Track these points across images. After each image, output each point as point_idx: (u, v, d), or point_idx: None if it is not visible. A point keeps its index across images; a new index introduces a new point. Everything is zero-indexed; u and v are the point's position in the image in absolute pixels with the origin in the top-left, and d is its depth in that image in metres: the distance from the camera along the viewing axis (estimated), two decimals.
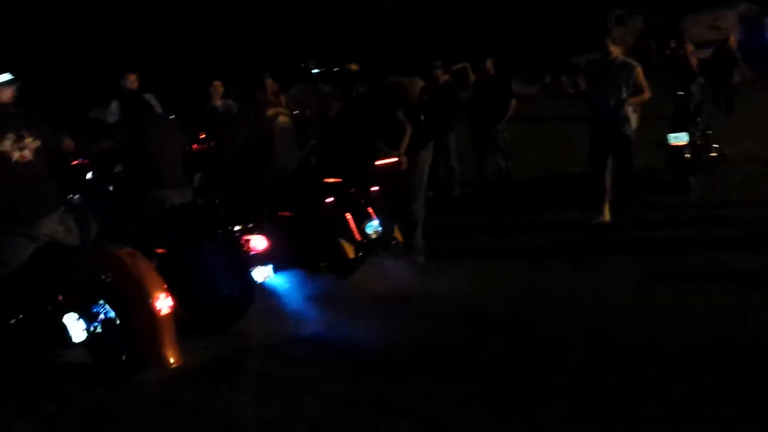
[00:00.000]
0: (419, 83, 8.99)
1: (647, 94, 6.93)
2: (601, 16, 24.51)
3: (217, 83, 8.89)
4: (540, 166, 10.40)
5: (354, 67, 8.51)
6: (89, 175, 5.95)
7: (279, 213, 5.70)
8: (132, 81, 8.16)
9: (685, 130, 7.99)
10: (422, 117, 7.59)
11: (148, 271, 4.19)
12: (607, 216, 7.05)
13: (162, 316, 4.09)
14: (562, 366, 4.04)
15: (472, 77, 10.92)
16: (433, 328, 4.72)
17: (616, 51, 6.96)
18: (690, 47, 10.82)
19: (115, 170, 5.97)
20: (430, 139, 7.18)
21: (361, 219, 5.75)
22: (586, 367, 4.00)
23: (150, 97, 7.81)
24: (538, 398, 3.69)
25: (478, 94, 9.53)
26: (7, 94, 4.80)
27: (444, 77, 9.47)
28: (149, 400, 3.99)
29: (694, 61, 9.07)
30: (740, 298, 4.86)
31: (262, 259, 4.91)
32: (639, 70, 6.88)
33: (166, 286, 4.16)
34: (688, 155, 7.95)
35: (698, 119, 8.42)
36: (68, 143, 5.05)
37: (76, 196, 5.60)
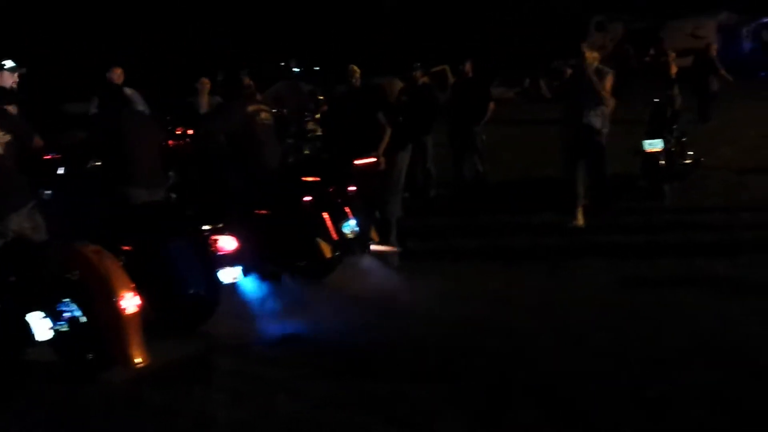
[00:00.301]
0: (398, 84, 9.00)
1: (610, 103, 6.97)
2: (584, 21, 24.68)
3: (205, 80, 8.81)
4: (517, 169, 10.43)
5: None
6: (61, 170, 5.86)
7: (256, 211, 5.66)
8: (117, 75, 8.08)
9: (660, 137, 8.04)
10: (400, 118, 7.59)
11: (114, 269, 4.13)
12: (580, 220, 7.08)
13: (128, 314, 4.03)
14: (537, 368, 4.05)
15: (452, 79, 10.94)
16: (408, 329, 4.70)
17: (591, 57, 6.99)
18: (672, 55, 10.94)
19: (88, 166, 5.88)
20: (408, 141, 7.18)
21: (339, 218, 5.74)
22: (562, 370, 4.00)
23: (132, 93, 7.74)
24: (514, 400, 3.69)
25: (457, 97, 9.54)
26: (10, 80, 4.76)
27: (423, 79, 9.47)
28: (118, 400, 3.92)
29: (674, 69, 9.15)
30: (714, 303, 4.90)
31: (230, 259, 4.86)
32: (610, 77, 6.92)
33: (133, 284, 4.11)
34: (663, 162, 8.00)
35: (674, 126, 8.49)
36: (38, 141, 4.98)
37: (47, 192, 5.52)
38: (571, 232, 6.91)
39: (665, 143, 8.00)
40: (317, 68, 22.64)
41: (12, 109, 4.98)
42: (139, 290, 4.16)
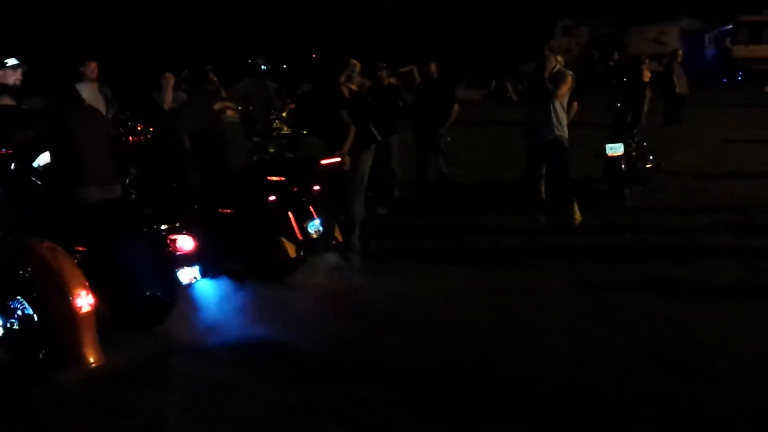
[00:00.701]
0: (366, 84, 8.97)
1: (567, 107, 7.08)
2: (551, 25, 24.94)
3: (170, 75, 8.66)
4: (481, 171, 10.49)
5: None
6: (12, 166, 5.72)
7: (219, 210, 5.60)
8: (92, 69, 7.92)
9: (621, 141, 8.14)
10: (365, 118, 7.57)
11: (69, 266, 4.06)
12: (578, 216, 7.11)
13: (82, 313, 3.98)
14: (495, 370, 4.06)
15: (418, 80, 10.94)
16: (368, 330, 4.69)
17: (554, 61, 7.05)
18: (646, 60, 11.10)
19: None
20: (372, 141, 7.15)
21: (303, 218, 5.71)
22: (518, 370, 4.03)
23: (107, 90, 7.60)
24: (472, 402, 3.70)
25: (422, 97, 9.53)
26: (12, 77, 4.64)
27: (389, 79, 9.46)
28: (71, 400, 3.87)
29: (647, 75, 9.27)
30: (670, 306, 4.96)
31: (188, 259, 4.79)
32: (570, 80, 6.98)
33: (87, 283, 4.03)
34: (624, 166, 8.10)
35: (635, 131, 8.59)
36: None
37: None
38: (532, 233, 6.97)
39: (626, 147, 8.10)
40: (285, 66, 22.57)
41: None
42: (95, 290, 4.09)
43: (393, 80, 9.80)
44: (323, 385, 3.91)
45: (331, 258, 6.02)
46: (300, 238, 5.69)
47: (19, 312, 4.12)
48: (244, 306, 5.01)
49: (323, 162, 6.05)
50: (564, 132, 7.01)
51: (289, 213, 5.71)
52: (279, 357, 4.30)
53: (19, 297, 4.12)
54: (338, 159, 6.13)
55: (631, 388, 3.77)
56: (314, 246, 5.81)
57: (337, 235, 6.15)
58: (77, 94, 5.53)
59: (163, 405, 3.76)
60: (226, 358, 4.30)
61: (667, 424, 3.47)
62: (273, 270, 5.63)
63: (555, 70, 6.99)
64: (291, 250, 5.62)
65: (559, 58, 7.35)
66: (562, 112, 6.99)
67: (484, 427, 3.48)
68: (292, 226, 5.69)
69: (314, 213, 5.85)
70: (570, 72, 7.11)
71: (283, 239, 5.61)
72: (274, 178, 5.87)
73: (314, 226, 5.81)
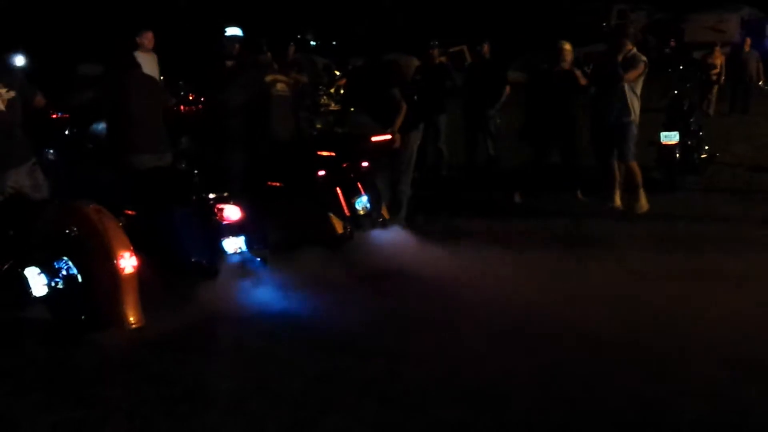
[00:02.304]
0: (414, 62, 8.91)
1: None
2: (606, 9, 24.44)
3: (149, 34, 8.51)
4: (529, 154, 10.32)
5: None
6: (67, 131, 5.83)
7: (269, 183, 5.61)
8: (149, 39, 8.00)
9: (677, 130, 7.96)
10: (415, 97, 7.52)
11: (114, 228, 4.09)
12: (618, 201, 7.12)
13: (125, 275, 4.01)
14: (534, 350, 4.01)
15: (469, 60, 10.82)
16: (410, 307, 4.67)
17: (629, 45, 6.98)
18: (717, 49, 10.89)
19: (92, 127, 5.83)
20: (421, 120, 7.10)
21: (351, 194, 5.70)
22: (558, 354, 3.97)
23: (148, 57, 7.65)
24: (511, 382, 3.65)
25: (473, 78, 9.42)
26: None
27: (440, 58, 9.37)
28: (111, 362, 3.92)
29: (719, 62, 9.10)
30: (722, 298, 4.80)
31: (234, 229, 4.82)
32: (642, 66, 6.88)
33: (131, 245, 4.07)
34: (678, 154, 7.94)
35: (691, 119, 8.40)
36: (39, 100, 4.94)
37: (51, 151, 5.49)
38: (579, 216, 6.90)
39: (682, 136, 7.92)
40: (334, 42, 22.50)
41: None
42: (142, 254, 4.14)
43: (443, 59, 9.71)
44: (362, 359, 3.89)
45: (377, 235, 6.00)
46: (347, 214, 5.70)
47: (64, 272, 4.18)
48: (287, 278, 5.01)
49: (373, 139, 6.02)
50: (634, 117, 6.94)
51: (337, 189, 5.71)
52: (319, 330, 4.31)
53: (64, 257, 4.18)
54: (389, 136, 6.09)
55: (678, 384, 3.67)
56: (361, 223, 5.80)
57: (384, 212, 6.13)
58: (134, 62, 5.58)
59: (202, 372, 3.78)
60: (267, 329, 4.31)
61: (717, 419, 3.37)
62: (319, 244, 5.64)
63: (630, 54, 6.88)
64: (338, 226, 5.63)
65: (566, 45, 7.39)
66: (633, 97, 6.92)
67: (520, 410, 3.42)
68: (339, 202, 5.70)
69: (362, 190, 5.84)
70: (644, 58, 7.01)
71: (331, 215, 5.62)
72: (324, 153, 5.87)
73: (362, 202, 5.81)
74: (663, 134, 7.93)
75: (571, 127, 7.59)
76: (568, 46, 7.56)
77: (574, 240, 6.21)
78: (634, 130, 6.99)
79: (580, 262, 5.58)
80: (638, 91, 6.99)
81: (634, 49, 7.00)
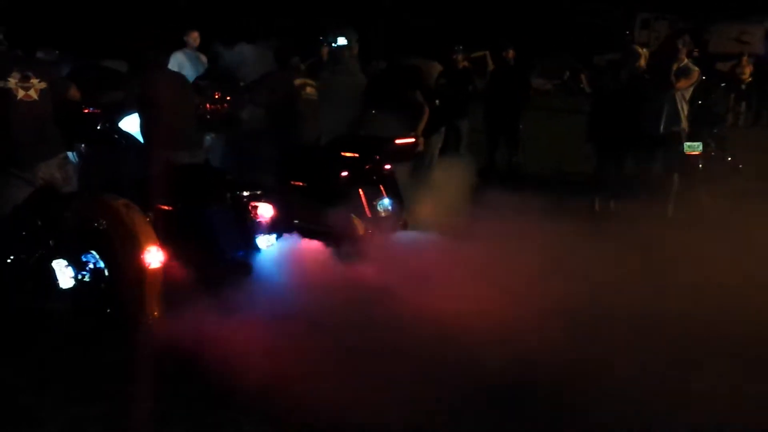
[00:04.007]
0: (437, 67, 8.95)
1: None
2: (626, 17, 24.37)
3: (195, 33, 8.62)
4: (551, 161, 10.33)
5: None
6: (99, 126, 5.90)
7: (292, 182, 5.67)
8: (194, 37, 8.09)
9: (701, 140, 7.94)
10: (437, 101, 7.56)
11: (141, 223, 4.15)
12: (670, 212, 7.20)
13: (152, 269, 4.07)
14: (576, 342, 4.09)
15: (491, 66, 10.85)
16: (433, 306, 4.55)
17: (684, 55, 7.08)
18: (745, 59, 10.86)
19: (122, 123, 5.91)
20: (443, 124, 7.14)
21: (373, 196, 5.73)
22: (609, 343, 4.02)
23: (204, 59, 7.73)
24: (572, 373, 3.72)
25: (496, 84, 9.46)
26: None
27: (463, 63, 9.41)
28: (135, 358, 3.91)
29: (748, 71, 9.12)
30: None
31: (268, 227, 4.88)
32: (695, 76, 7.00)
33: (158, 240, 4.13)
34: (701, 165, 7.92)
35: (715, 130, 8.38)
36: (74, 93, 5.00)
37: (83, 146, 5.56)
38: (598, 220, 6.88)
39: (705, 147, 7.91)
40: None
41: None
42: (174, 251, 4.19)
43: (466, 64, 9.74)
44: (385, 360, 3.90)
45: (399, 237, 6.02)
46: (369, 215, 5.73)
47: (91, 265, 4.26)
48: (312, 278, 5.03)
49: (397, 141, 6.06)
50: (684, 125, 7.00)
51: (360, 190, 5.75)
52: (342, 330, 4.25)
53: (92, 251, 4.24)
54: (412, 139, 6.13)
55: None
56: (382, 225, 5.83)
57: (405, 215, 6.16)
58: (164, 60, 5.67)
59: (222, 370, 3.78)
60: (291, 328, 4.29)
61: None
62: (340, 245, 5.66)
63: (683, 65, 6.96)
64: (359, 227, 5.66)
65: (644, 50, 7.38)
66: (683, 105, 7.00)
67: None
68: (361, 203, 5.73)
69: (384, 192, 5.88)
70: (697, 69, 7.11)
71: (353, 216, 5.66)
72: (347, 155, 5.90)
73: (383, 204, 5.84)
74: (686, 144, 7.89)
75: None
76: (643, 50, 7.64)
77: (590, 242, 6.13)
78: (684, 138, 7.07)
79: (605, 271, 5.53)
80: (687, 99, 7.11)
81: (686, 60, 7.11)
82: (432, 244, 5.76)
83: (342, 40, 6.81)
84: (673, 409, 3.60)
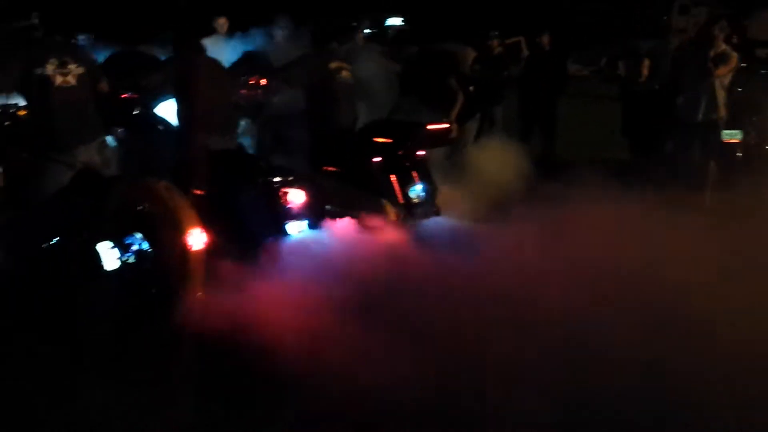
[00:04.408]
0: (471, 53, 8.89)
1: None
2: (664, 2, 23.92)
3: (222, 20, 8.65)
4: (587, 148, 10.21)
5: None
6: (137, 111, 5.97)
7: (324, 167, 5.69)
8: (222, 24, 8.14)
9: (740, 128, 7.82)
10: (471, 87, 7.51)
11: (184, 205, 4.22)
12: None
13: (195, 251, 4.13)
14: (600, 327, 3.94)
15: (526, 52, 10.74)
16: (464, 293, 4.52)
17: (721, 41, 6.96)
18: None
19: (158, 108, 5.97)
20: (477, 111, 7.10)
21: (406, 182, 5.73)
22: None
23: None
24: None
25: (531, 70, 9.37)
26: None
27: (498, 49, 9.33)
28: (182, 340, 3.99)
29: None
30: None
31: (298, 212, 4.90)
32: (734, 62, 6.87)
33: (200, 222, 4.19)
34: (740, 153, 7.80)
35: (754, 118, 8.22)
36: (103, 86, 5.06)
37: (120, 130, 5.64)
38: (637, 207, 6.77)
39: (744, 135, 7.78)
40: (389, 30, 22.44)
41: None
42: (210, 233, 4.24)
43: (501, 50, 9.66)
44: (415, 344, 3.87)
45: (430, 224, 6.02)
46: (401, 202, 5.73)
47: (135, 247, 4.33)
48: (343, 263, 5.05)
49: (430, 127, 6.04)
50: (722, 113, 6.88)
51: (392, 176, 5.75)
52: (375, 309, 4.27)
53: (135, 233, 4.31)
54: (446, 125, 6.10)
55: None
56: (414, 211, 5.83)
57: (438, 202, 6.15)
58: (201, 46, 5.70)
59: (256, 357, 3.82)
60: (327, 309, 4.34)
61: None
62: (370, 231, 5.67)
63: (720, 50, 6.83)
64: (391, 213, 5.67)
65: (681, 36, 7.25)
66: (722, 93, 6.88)
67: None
68: (394, 189, 5.74)
69: (417, 178, 5.87)
70: (735, 55, 6.97)
71: (385, 201, 5.66)
72: (380, 140, 5.91)
73: (416, 191, 5.84)
74: (725, 132, 7.77)
75: None
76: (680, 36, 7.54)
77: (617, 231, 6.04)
78: (722, 126, 6.96)
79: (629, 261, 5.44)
80: (726, 86, 6.98)
81: (725, 45, 6.98)
82: (471, 231, 5.74)
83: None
84: None
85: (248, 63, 7.23)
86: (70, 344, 4.07)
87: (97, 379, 3.73)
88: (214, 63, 5.83)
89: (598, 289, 4.47)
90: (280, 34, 8.40)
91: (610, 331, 3.96)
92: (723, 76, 6.97)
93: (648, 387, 3.62)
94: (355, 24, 9.93)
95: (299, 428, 3.47)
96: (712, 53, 6.91)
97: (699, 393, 3.50)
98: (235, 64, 6.84)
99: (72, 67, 4.67)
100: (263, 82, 7.08)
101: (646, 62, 7.54)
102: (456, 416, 3.44)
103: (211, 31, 8.20)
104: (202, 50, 5.72)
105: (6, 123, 5.17)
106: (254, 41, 8.30)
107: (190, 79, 5.44)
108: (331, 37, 6.29)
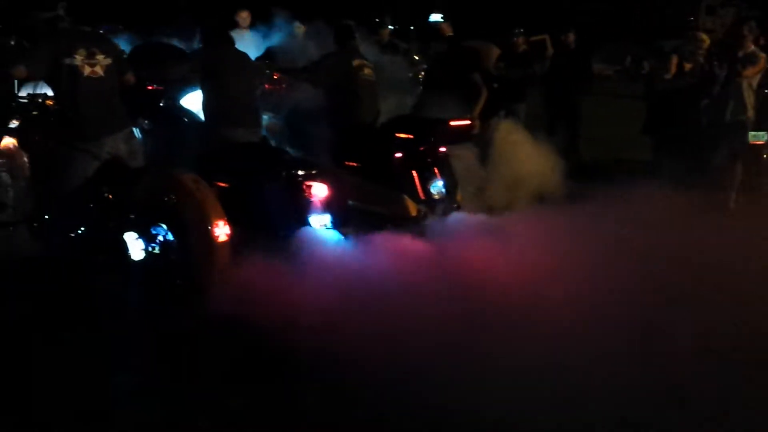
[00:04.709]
0: (495, 50, 8.85)
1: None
2: (691, 2, 23.68)
3: (244, 13, 8.69)
4: (610, 147, 10.14)
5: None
6: (162, 103, 6.02)
7: (346, 162, 5.70)
8: (244, 17, 8.18)
9: (766, 130, 7.72)
10: (495, 84, 7.49)
11: (210, 197, 4.26)
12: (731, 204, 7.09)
13: (219, 242, 4.16)
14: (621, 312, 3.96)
15: (551, 50, 10.69)
16: (481, 288, 4.47)
17: (750, 42, 6.89)
18: None
19: (183, 100, 6.02)
20: (501, 108, 7.08)
21: (427, 178, 5.72)
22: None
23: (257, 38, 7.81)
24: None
25: (556, 68, 9.31)
26: None
27: (522, 47, 9.28)
28: (208, 329, 4.04)
29: None
30: None
31: (321, 206, 4.92)
32: (762, 63, 6.80)
33: (225, 214, 4.22)
34: (766, 155, 7.72)
35: None
36: (129, 78, 5.11)
37: (146, 121, 5.69)
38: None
39: None
40: (412, 27, 22.41)
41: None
42: (233, 225, 4.27)
43: (526, 47, 9.61)
44: (440, 336, 3.87)
45: (450, 220, 6.01)
46: (422, 197, 5.73)
47: (161, 237, 4.38)
48: (365, 257, 5.06)
49: (452, 123, 6.03)
50: (750, 114, 6.83)
51: (414, 172, 5.75)
52: (393, 302, 4.22)
53: (161, 224, 4.36)
54: (468, 121, 6.09)
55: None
56: (435, 207, 5.82)
57: (459, 198, 6.14)
58: (229, 38, 5.74)
59: (279, 342, 3.85)
60: (347, 302, 4.34)
61: None
62: (392, 226, 5.68)
63: (749, 51, 6.78)
64: (412, 209, 5.66)
65: (704, 36, 7.21)
66: (750, 94, 6.82)
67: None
68: (415, 184, 5.73)
69: (438, 174, 5.86)
70: (763, 55, 6.92)
71: (406, 197, 5.66)
72: (402, 136, 5.90)
73: (437, 187, 5.82)
74: (751, 134, 7.68)
75: None
76: (706, 37, 7.49)
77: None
78: (750, 127, 6.90)
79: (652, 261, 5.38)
80: (755, 87, 6.92)
81: (753, 46, 6.91)
82: (491, 227, 5.72)
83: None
84: None
85: (271, 58, 7.28)
86: (97, 332, 4.12)
87: (121, 366, 3.79)
88: (242, 56, 5.87)
89: (615, 286, 4.44)
90: (301, 30, 8.45)
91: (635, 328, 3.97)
92: (751, 77, 6.91)
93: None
94: (377, 21, 9.93)
95: (320, 413, 3.48)
96: (740, 54, 6.85)
97: None
98: (258, 59, 6.87)
99: (100, 57, 4.73)
100: (286, 78, 7.13)
101: (674, 59, 7.44)
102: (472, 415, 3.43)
103: (233, 25, 8.23)
104: (231, 42, 5.76)
105: (34, 113, 5.23)
106: (275, 36, 8.33)
107: (217, 70, 5.48)
108: (353, 35, 6.31)
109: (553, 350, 3.76)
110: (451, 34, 7.58)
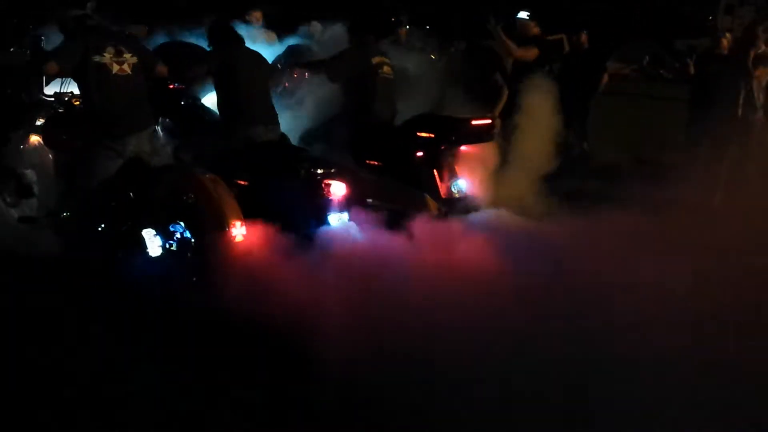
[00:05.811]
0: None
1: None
2: (709, 1, 23.52)
3: (257, 13, 8.64)
4: (626, 148, 10.10)
5: None
6: (183, 102, 6.07)
7: (366, 160, 5.72)
8: (257, 17, 8.20)
9: None
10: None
11: (227, 197, 4.32)
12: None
13: (236, 242, 4.20)
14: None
15: (567, 49, 10.65)
16: (504, 285, 4.45)
17: (761, 42, 6.88)
18: None
19: (205, 99, 6.06)
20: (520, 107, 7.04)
21: (448, 177, 5.73)
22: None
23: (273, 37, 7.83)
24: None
25: (569, 68, 9.29)
26: None
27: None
28: (220, 326, 4.08)
29: None
30: None
31: (340, 205, 4.94)
32: None
33: (242, 214, 4.25)
34: None
35: None
36: (161, 69, 5.16)
37: (168, 120, 5.74)
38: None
39: None
40: (427, 26, 22.36)
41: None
42: (251, 224, 4.30)
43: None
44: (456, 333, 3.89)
45: (471, 218, 6.01)
46: (443, 196, 5.74)
47: (178, 235, 4.43)
48: (384, 255, 5.08)
49: (473, 122, 6.04)
50: (759, 114, 6.81)
51: (434, 170, 5.76)
52: (410, 301, 4.24)
53: (179, 222, 4.40)
54: (488, 120, 6.10)
55: None
56: (456, 206, 5.84)
57: (479, 196, 6.13)
58: (238, 37, 5.78)
59: (295, 339, 3.89)
60: (364, 304, 4.37)
61: None
62: (412, 225, 5.68)
63: (761, 52, 6.77)
64: (433, 207, 5.67)
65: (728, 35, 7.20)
66: (761, 93, 6.81)
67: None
68: (436, 183, 5.75)
69: (458, 173, 5.88)
70: None
71: (427, 196, 5.67)
72: (423, 134, 5.92)
73: (457, 185, 5.84)
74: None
75: None
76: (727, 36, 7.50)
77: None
78: (759, 127, 6.87)
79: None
80: (765, 88, 6.92)
81: (765, 47, 6.89)
82: (512, 226, 5.72)
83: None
84: None
85: (291, 56, 7.30)
86: (118, 325, 4.17)
87: (136, 361, 3.84)
88: (255, 54, 5.90)
89: (629, 285, 4.41)
90: (317, 30, 8.47)
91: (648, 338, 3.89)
92: (762, 77, 6.87)
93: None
94: (395, 19, 9.93)
95: (334, 412, 3.51)
96: (752, 53, 6.82)
97: None
98: (279, 57, 6.89)
99: (127, 56, 4.79)
100: (306, 75, 7.15)
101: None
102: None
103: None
104: (241, 41, 5.79)
105: (60, 111, 5.30)
106: (291, 38, 8.35)
107: (232, 69, 5.52)
108: (372, 32, 6.31)
109: (578, 353, 3.75)
110: (537, 32, 7.56)
